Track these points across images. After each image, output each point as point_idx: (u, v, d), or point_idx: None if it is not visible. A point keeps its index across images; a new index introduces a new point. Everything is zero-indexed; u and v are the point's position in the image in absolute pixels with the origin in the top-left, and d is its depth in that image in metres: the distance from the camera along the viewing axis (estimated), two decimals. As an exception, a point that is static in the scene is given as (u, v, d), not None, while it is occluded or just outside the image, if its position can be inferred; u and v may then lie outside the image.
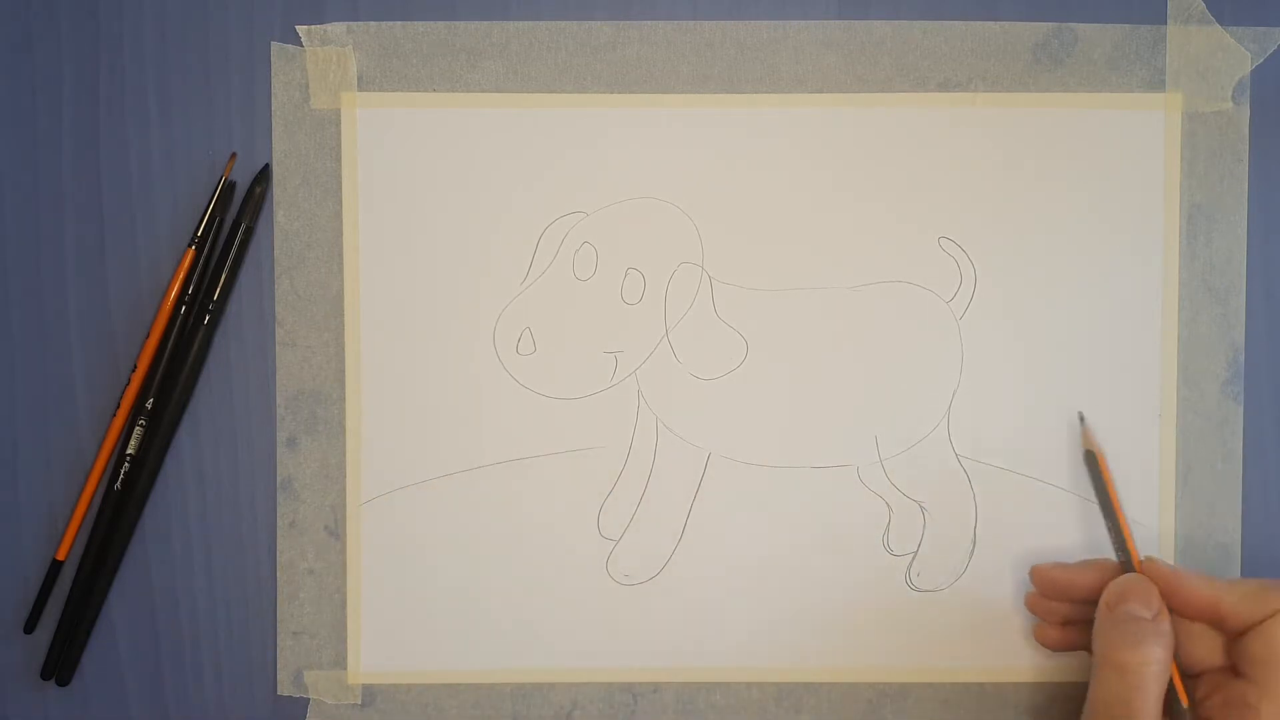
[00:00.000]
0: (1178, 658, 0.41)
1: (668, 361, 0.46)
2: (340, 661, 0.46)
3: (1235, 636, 0.40)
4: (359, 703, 0.46)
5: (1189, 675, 0.41)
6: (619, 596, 0.46)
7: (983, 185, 0.46)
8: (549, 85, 0.46)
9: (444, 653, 0.46)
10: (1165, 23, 0.46)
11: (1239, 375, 0.46)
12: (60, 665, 0.46)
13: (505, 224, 0.46)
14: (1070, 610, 0.44)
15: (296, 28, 0.46)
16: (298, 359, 0.46)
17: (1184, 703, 0.40)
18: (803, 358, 0.46)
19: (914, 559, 0.46)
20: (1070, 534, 0.46)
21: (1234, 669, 0.40)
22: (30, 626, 0.46)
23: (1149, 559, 0.42)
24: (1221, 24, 0.46)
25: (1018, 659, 0.46)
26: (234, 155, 0.46)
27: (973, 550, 0.46)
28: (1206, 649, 0.41)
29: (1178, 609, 0.41)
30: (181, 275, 0.46)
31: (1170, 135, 0.46)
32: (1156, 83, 0.46)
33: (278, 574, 0.46)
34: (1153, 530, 0.46)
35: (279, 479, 0.46)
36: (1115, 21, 0.46)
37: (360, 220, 0.46)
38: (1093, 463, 0.44)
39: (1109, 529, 0.43)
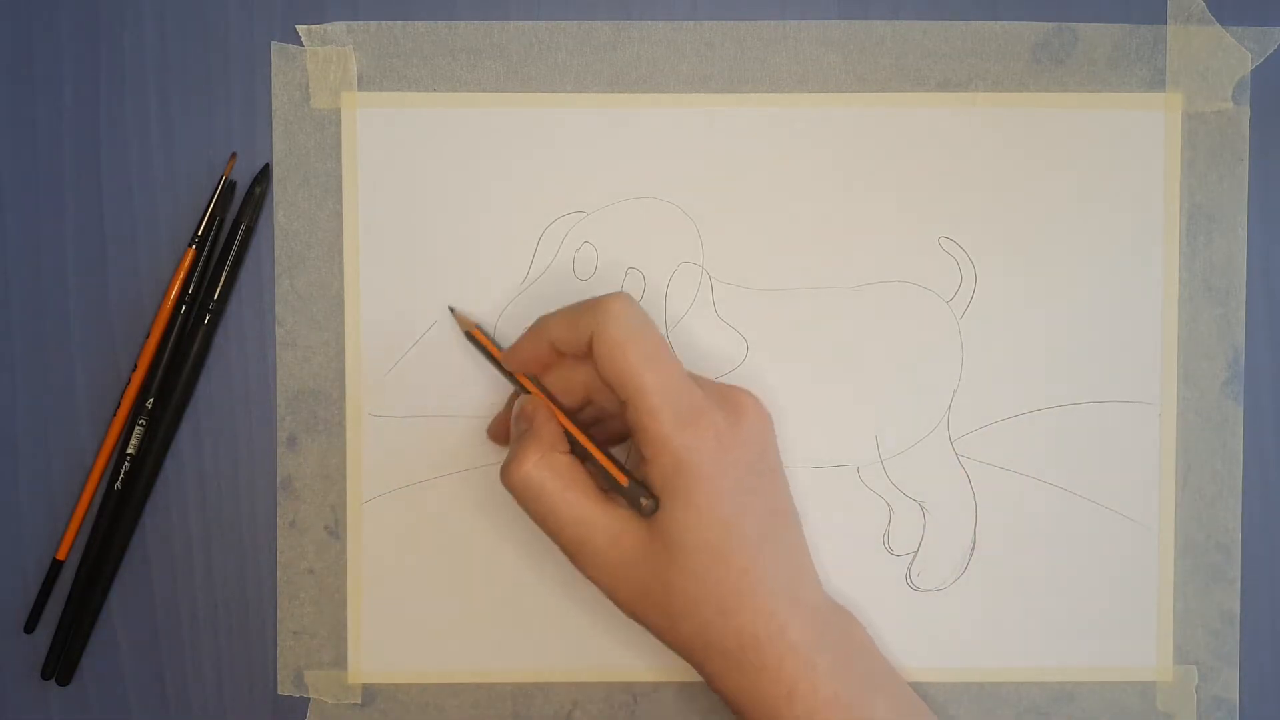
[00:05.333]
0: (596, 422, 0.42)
1: (668, 361, 0.46)
2: (340, 661, 0.46)
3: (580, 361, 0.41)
4: (359, 703, 0.46)
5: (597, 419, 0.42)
6: (619, 596, 0.46)
7: (983, 185, 0.46)
8: (549, 85, 0.46)
9: (444, 653, 0.46)
10: (1165, 23, 0.46)
11: (1239, 375, 0.46)
12: (60, 665, 0.46)
13: (505, 224, 0.46)
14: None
15: (296, 28, 0.46)
16: (298, 359, 0.46)
17: (622, 482, 0.39)
18: (803, 357, 0.46)
19: (914, 559, 0.46)
20: (1070, 533, 0.46)
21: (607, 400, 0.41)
22: (30, 626, 0.46)
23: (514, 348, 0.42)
24: (1221, 24, 0.46)
25: (1019, 659, 0.46)
26: (234, 155, 0.46)
27: (973, 550, 0.46)
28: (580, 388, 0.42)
29: (539, 369, 0.42)
30: (181, 275, 0.46)
31: (1170, 135, 0.46)
32: (1156, 83, 0.46)
33: (278, 574, 0.46)
34: (1153, 530, 0.46)
35: (279, 479, 0.46)
36: (1115, 21, 0.46)
37: (360, 220, 0.46)
38: (474, 340, 0.44)
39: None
